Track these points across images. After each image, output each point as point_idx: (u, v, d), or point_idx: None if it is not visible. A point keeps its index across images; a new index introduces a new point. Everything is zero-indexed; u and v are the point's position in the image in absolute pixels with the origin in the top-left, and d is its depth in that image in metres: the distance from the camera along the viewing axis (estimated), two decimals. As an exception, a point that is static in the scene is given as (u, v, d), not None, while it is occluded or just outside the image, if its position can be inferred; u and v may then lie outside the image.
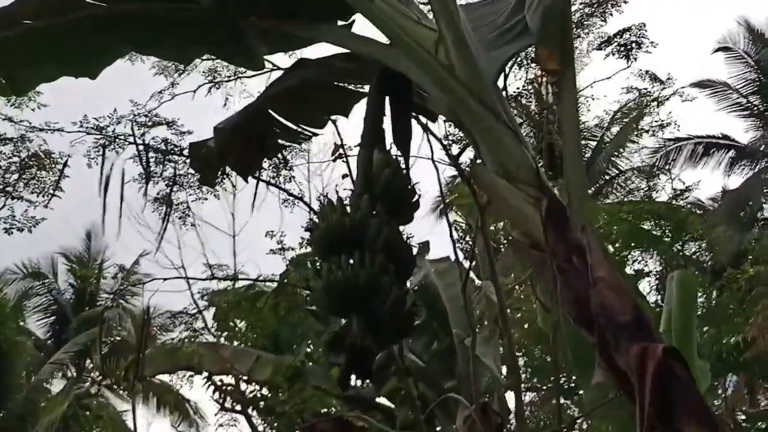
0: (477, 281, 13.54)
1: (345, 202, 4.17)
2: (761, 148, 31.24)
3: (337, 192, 4.14)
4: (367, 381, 3.85)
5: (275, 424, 11.07)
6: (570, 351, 6.95)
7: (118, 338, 28.82)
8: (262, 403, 13.60)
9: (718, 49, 30.76)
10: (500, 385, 12.55)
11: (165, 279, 6.60)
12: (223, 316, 11.28)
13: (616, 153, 29.17)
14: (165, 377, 28.43)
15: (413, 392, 5.80)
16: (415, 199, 4.31)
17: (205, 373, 11.43)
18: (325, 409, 8.12)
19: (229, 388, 14.90)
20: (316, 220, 4.19)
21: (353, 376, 3.84)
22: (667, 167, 28.80)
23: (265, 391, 12.87)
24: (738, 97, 30.93)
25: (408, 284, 4.14)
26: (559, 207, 3.53)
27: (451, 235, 8.45)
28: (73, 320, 30.35)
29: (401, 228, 4.28)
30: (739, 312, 10.07)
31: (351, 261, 3.93)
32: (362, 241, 3.97)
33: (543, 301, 6.27)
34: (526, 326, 13.45)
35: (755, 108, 30.98)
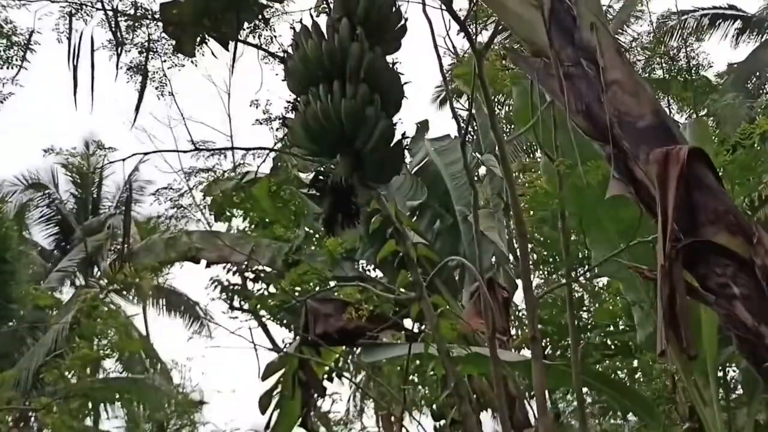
0: (478, 156, 13.10)
1: (322, 29, 3.69)
2: (769, 18, 30.21)
3: (312, 17, 3.63)
4: (353, 223, 3.46)
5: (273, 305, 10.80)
6: (575, 208, 6.59)
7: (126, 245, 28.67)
8: (271, 301, 13.36)
9: None
10: (506, 259, 12.30)
11: (146, 153, 6.19)
12: (220, 206, 10.90)
13: (620, 30, 28.14)
14: (175, 283, 28.56)
15: (411, 253, 5.45)
16: (400, 23, 3.82)
17: (204, 262, 11.15)
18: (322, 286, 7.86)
19: (235, 287, 14.71)
20: (290, 51, 3.70)
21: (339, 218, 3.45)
22: (674, 40, 27.83)
23: (272, 289, 12.62)
24: (746, -36, 29.71)
25: (396, 117, 3.69)
26: (564, 6, 3.05)
27: (451, 105, 7.89)
28: (77, 229, 30.19)
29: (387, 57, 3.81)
30: (754, 168, 9.61)
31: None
32: (343, 69, 3.51)
33: (546, 151, 5.86)
34: (530, 213, 13.05)
35: (764, -25, 29.76)
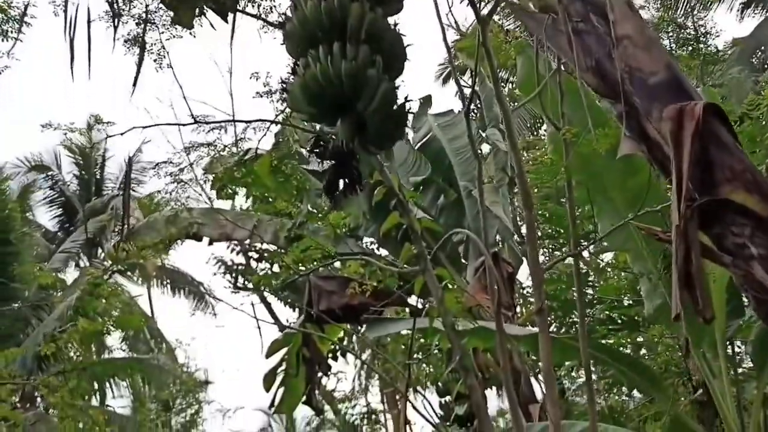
0: (482, 133, 12.98)
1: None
2: (775, -9, 29.89)
3: (311, -22, 3.49)
4: (356, 190, 3.35)
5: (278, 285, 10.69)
6: (582, 177, 6.48)
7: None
8: (275, 281, 13.30)
9: None
10: (510, 234, 12.20)
11: (145, 127, 6.04)
12: (221, 181, 10.76)
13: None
14: (178, 262, 28.59)
15: (415, 225, 5.35)
16: (402, -17, 3.69)
17: (206, 240, 11.07)
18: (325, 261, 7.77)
19: (240, 267, 14.61)
20: (289, 14, 3.58)
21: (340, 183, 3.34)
22: (680, 10, 27.54)
23: (276, 268, 12.55)
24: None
25: (399, 81, 3.56)
26: (572, -42, 2.92)
27: (455, 77, 7.74)
28: (80, 211, 30.12)
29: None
30: (762, 141, 9.46)
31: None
32: (343, 30, 3.39)
33: (552, 120, 5.74)
34: (535, 190, 12.96)
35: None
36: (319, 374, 10.66)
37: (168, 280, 28.64)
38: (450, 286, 6.69)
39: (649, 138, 2.70)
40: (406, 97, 3.45)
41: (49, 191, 31.46)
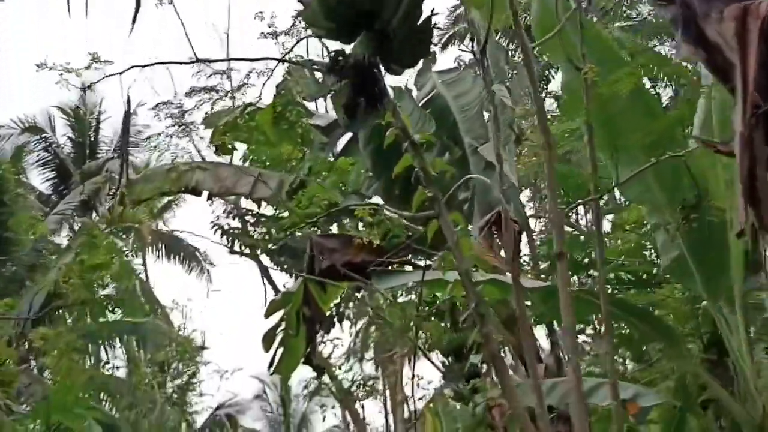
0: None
1: None
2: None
3: None
4: (376, 106, 3.11)
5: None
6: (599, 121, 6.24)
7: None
8: (271, 245, 13.10)
9: None
10: (516, 192, 11.96)
11: (143, 66, 5.76)
12: (222, 134, 10.44)
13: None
14: (174, 226, 28.35)
15: (427, 167, 5.11)
16: None
17: (205, 194, 10.77)
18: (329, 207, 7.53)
19: (236, 231, 14.38)
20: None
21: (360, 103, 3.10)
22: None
23: (273, 231, 12.35)
24: None
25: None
26: None
27: (471, 34, 7.45)
28: (74, 173, 29.83)
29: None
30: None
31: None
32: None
33: (573, 60, 5.49)
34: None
35: None
36: (320, 333, 10.48)
37: (163, 246, 28.44)
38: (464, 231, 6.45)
39: (708, 42, 2.46)
40: (432, 10, 3.19)
41: (43, 153, 31.07)
